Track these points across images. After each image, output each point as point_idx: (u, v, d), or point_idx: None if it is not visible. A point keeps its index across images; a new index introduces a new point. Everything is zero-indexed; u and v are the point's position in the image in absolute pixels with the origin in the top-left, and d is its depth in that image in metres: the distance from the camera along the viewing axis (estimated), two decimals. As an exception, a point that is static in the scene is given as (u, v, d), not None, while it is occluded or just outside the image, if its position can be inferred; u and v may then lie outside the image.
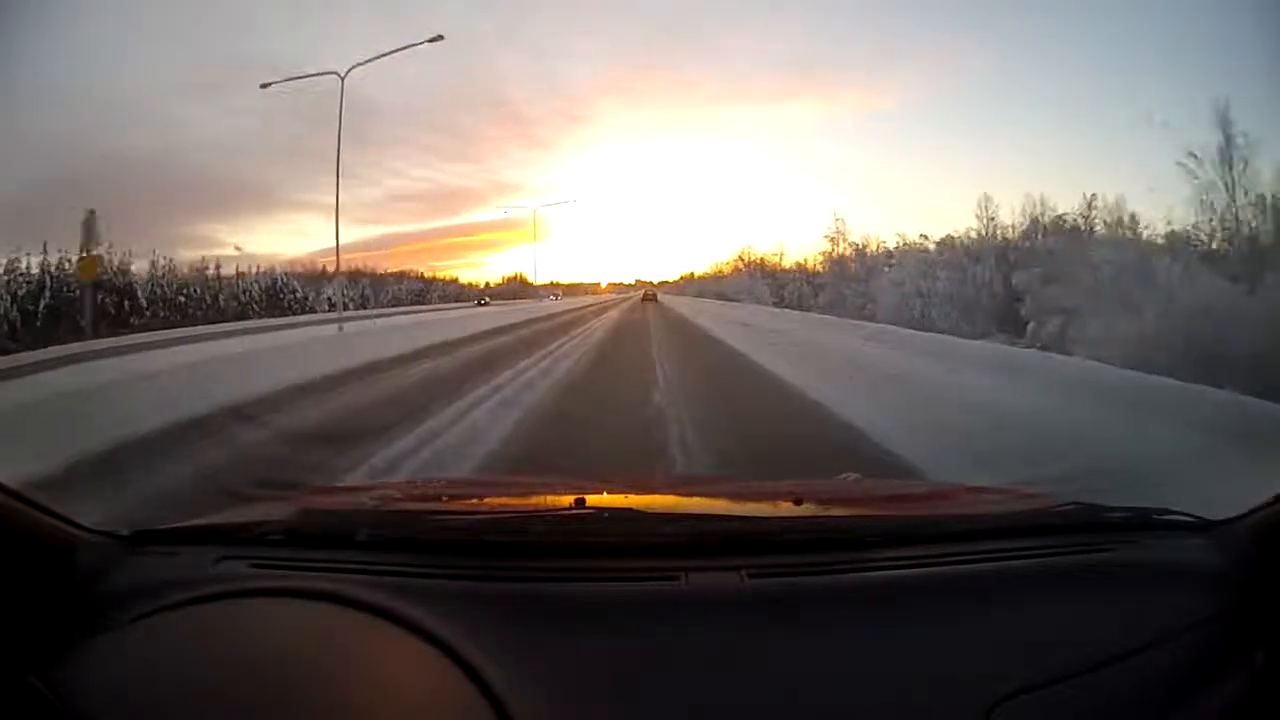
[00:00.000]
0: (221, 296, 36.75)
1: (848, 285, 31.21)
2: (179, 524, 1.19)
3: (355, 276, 43.82)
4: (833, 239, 34.46)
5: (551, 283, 55.62)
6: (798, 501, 1.35)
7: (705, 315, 23.66)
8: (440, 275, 50.11)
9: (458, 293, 49.03)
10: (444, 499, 1.53)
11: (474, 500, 1.55)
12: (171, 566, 1.05)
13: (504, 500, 1.56)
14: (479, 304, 42.43)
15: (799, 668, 0.85)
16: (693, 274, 55.25)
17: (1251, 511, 1.09)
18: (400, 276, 47.76)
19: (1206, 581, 1.06)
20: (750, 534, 1.14)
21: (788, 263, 39.43)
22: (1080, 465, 3.42)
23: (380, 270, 46.76)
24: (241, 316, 34.49)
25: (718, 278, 46.68)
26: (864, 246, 33.00)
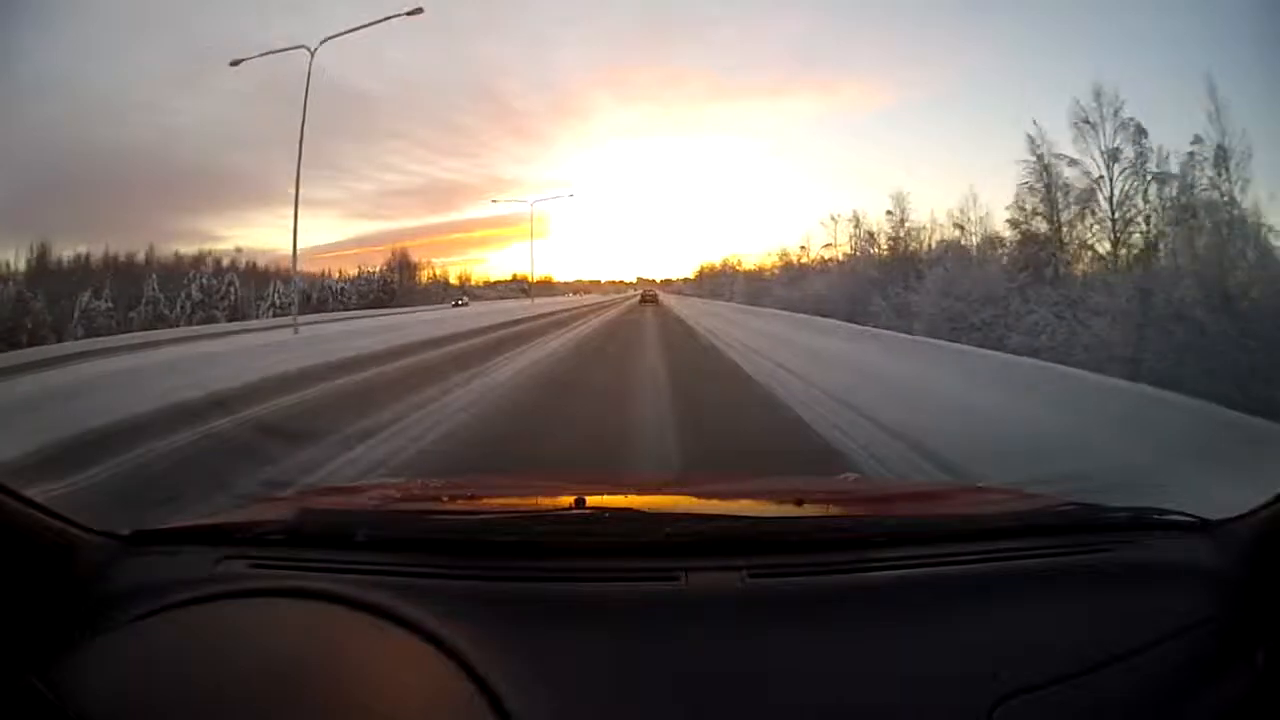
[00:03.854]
0: None
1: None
2: (179, 524, 1.19)
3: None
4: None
5: (514, 276, 43.97)
6: (798, 501, 1.35)
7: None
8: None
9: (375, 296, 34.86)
10: (444, 499, 1.53)
11: (474, 500, 1.55)
12: (171, 566, 1.05)
13: (504, 500, 1.56)
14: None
15: (799, 668, 0.85)
16: (736, 262, 38.34)
17: (1251, 511, 1.09)
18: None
19: (1206, 581, 1.06)
20: (750, 534, 1.14)
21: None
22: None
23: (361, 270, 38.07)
24: None
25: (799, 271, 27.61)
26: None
